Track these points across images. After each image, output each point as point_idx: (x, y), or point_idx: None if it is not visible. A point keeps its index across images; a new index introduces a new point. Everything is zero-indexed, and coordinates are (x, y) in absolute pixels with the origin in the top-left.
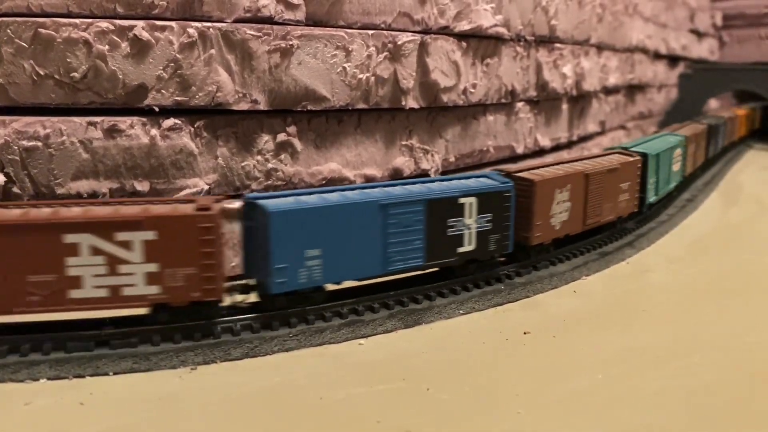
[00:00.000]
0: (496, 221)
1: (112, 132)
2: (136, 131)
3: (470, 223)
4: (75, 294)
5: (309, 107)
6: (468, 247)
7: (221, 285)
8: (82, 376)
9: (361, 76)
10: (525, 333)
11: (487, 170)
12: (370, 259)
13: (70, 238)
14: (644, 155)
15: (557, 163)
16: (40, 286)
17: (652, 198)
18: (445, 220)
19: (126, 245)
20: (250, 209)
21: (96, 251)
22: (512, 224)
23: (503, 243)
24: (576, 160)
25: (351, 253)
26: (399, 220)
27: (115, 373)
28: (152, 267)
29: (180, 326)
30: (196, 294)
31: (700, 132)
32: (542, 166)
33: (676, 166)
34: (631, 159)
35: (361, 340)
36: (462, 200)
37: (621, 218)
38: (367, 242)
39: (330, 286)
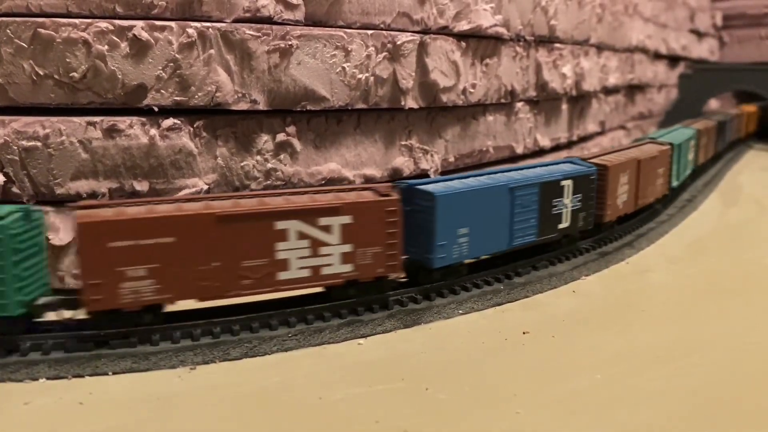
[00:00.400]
0: (584, 201)
1: (111, 132)
2: (136, 131)
3: (567, 203)
4: (282, 276)
5: (308, 107)
6: (565, 223)
7: (400, 261)
8: (82, 376)
9: (360, 76)
10: (524, 333)
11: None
12: (500, 236)
13: (280, 225)
14: (671, 145)
15: (610, 152)
16: (254, 270)
17: (675, 183)
18: (551, 200)
19: (327, 229)
20: (407, 194)
21: (301, 236)
22: (595, 203)
23: (588, 220)
24: (623, 149)
25: (488, 230)
26: (521, 201)
27: (114, 373)
28: (347, 247)
29: (182, 325)
30: (381, 270)
31: (711, 127)
32: (601, 155)
33: (690, 156)
34: (664, 148)
35: (360, 340)
36: (563, 183)
37: (657, 200)
38: (499, 221)
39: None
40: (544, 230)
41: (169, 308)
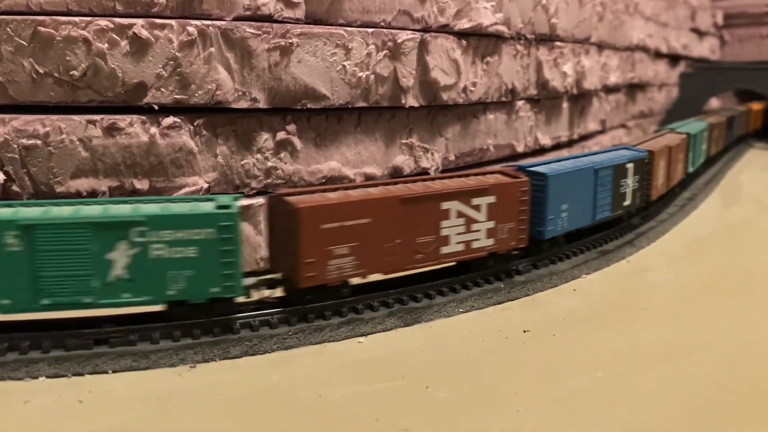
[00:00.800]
0: (641, 182)
1: (111, 130)
2: (136, 129)
3: (630, 183)
4: (444, 250)
5: (309, 105)
6: (628, 201)
7: (527, 235)
8: (82, 374)
9: (360, 74)
10: (525, 331)
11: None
12: (588, 211)
13: (445, 205)
14: (688, 134)
15: (646, 140)
16: (425, 246)
17: (690, 169)
18: (620, 181)
19: (477, 208)
20: None
21: (459, 214)
22: (647, 184)
23: (642, 198)
24: (653, 138)
25: (579, 206)
26: (602, 181)
27: (114, 371)
28: (491, 224)
29: (191, 323)
30: (513, 243)
31: (722, 121)
32: (642, 142)
33: (704, 146)
34: (683, 137)
35: (361, 339)
36: (628, 165)
37: (678, 183)
38: (587, 198)
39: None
40: (616, 207)
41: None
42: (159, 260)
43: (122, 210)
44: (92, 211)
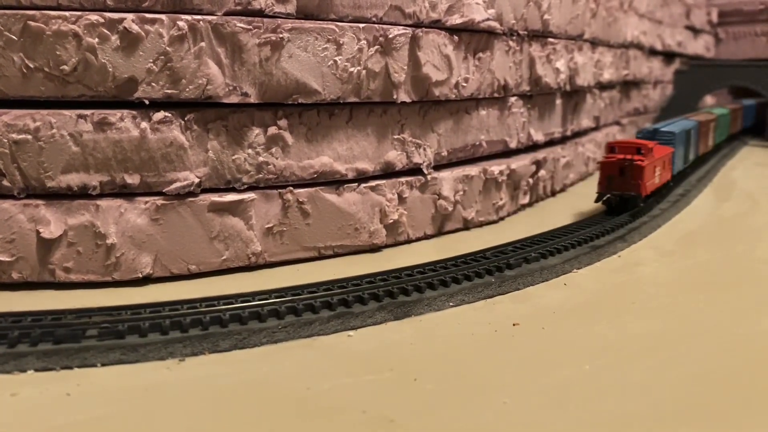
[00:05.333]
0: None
1: (102, 125)
2: (126, 124)
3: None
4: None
5: (300, 100)
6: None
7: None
8: (70, 368)
9: (352, 69)
10: (514, 325)
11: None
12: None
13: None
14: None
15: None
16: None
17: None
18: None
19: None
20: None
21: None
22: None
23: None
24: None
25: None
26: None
27: (102, 365)
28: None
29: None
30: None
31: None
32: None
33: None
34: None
35: (351, 332)
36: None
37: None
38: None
39: None
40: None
41: None
42: None
43: None
44: None
